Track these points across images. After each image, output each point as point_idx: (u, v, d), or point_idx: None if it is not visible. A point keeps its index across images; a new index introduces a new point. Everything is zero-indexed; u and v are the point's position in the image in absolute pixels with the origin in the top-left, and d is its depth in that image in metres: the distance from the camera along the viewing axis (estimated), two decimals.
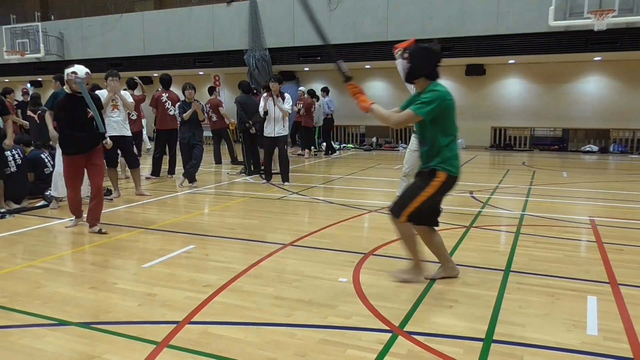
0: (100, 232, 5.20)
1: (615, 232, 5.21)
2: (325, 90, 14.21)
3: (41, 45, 18.24)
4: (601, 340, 2.81)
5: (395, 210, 3.57)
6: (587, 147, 14.99)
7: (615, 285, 3.68)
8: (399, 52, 4.48)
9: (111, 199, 7.11)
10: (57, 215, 6.17)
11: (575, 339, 2.83)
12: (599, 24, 11.52)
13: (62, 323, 3.06)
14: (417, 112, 3.39)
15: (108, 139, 5.41)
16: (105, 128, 5.35)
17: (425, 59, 3.51)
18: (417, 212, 3.52)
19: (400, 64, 6.21)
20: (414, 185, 3.60)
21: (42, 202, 6.81)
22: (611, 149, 14.79)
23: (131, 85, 9.10)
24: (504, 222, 5.79)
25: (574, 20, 12.02)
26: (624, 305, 3.30)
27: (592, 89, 14.99)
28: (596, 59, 14.30)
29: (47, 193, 6.90)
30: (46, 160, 7.26)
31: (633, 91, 14.50)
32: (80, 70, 5.07)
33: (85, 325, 3.03)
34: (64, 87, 6.33)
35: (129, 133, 7.33)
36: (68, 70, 5.03)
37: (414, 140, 6.31)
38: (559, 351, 2.69)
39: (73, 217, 5.64)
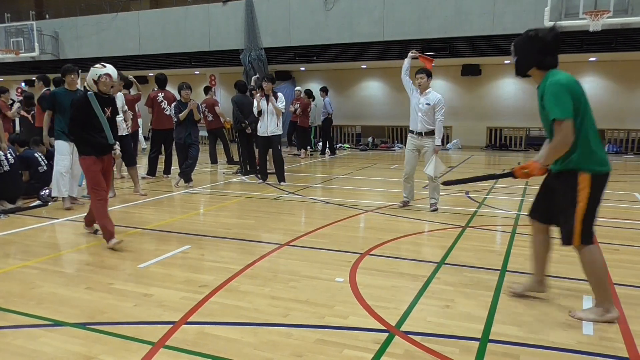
0: (96, 232, 5.14)
1: (611, 232, 5.23)
2: (324, 90, 14.15)
3: (36, 44, 18.13)
4: (597, 340, 2.82)
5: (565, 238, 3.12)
6: None
7: (611, 285, 3.69)
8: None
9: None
10: (52, 215, 6.14)
11: (571, 339, 2.83)
12: (594, 24, 11.57)
13: (57, 324, 3.04)
14: (559, 118, 2.92)
15: (118, 148, 4.92)
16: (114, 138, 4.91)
17: (529, 48, 3.09)
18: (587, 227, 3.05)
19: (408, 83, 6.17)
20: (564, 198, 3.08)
21: (37, 202, 6.77)
22: (606, 149, 14.80)
23: (126, 84, 9.07)
24: (500, 222, 5.80)
25: (569, 21, 12.05)
26: (620, 305, 3.31)
27: (587, 89, 14.61)
28: (591, 59, 14.36)
29: (43, 193, 6.87)
30: (40, 159, 7.22)
31: (628, 92, 14.57)
32: (113, 72, 4.80)
33: (81, 325, 3.01)
34: (65, 85, 6.33)
35: (126, 132, 7.34)
36: (100, 72, 4.68)
37: (411, 140, 6.32)
38: (555, 350, 2.70)
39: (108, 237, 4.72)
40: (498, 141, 16.24)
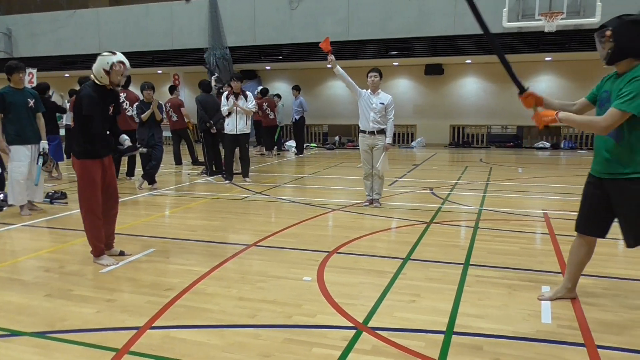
0: (122, 254, 4.47)
1: (566, 224, 5.43)
2: (297, 89, 13.90)
3: None
4: (555, 328, 2.94)
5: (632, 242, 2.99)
6: (540, 144, 15.60)
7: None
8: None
9: (66, 203, 6.86)
10: (7, 221, 5.90)
11: (531, 328, 2.94)
12: (549, 25, 12.02)
13: (14, 333, 2.93)
14: (625, 109, 2.72)
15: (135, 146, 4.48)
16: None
17: (634, 34, 2.78)
18: None
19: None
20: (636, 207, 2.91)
21: None
22: (562, 145, 15.45)
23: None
24: (463, 218, 5.94)
25: (526, 22, 12.48)
26: (577, 294, 3.45)
27: (544, 88, 15.59)
28: (547, 59, 14.89)
29: None
30: None
31: (581, 90, 15.12)
32: (126, 60, 4.15)
33: (40, 335, 2.91)
34: (11, 84, 5.90)
35: None
36: (112, 59, 4.04)
37: (363, 140, 6.41)
38: (516, 340, 2.79)
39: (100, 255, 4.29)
40: (461, 139, 16.62)
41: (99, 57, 4.11)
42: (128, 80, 9.08)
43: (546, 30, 12.11)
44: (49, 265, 4.25)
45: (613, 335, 2.85)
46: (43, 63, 16.90)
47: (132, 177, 9.18)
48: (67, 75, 18.75)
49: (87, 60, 16.69)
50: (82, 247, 4.74)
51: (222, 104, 8.39)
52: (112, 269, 4.10)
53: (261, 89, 13.59)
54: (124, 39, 16.39)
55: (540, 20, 12.12)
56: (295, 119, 13.76)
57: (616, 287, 3.61)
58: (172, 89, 11.36)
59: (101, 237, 4.26)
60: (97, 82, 4.14)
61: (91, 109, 4.06)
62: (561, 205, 6.57)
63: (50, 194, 6.98)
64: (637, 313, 3.14)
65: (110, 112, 4.30)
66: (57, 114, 9.09)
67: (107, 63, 4.04)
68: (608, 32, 2.84)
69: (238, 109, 8.18)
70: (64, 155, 9.82)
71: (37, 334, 2.92)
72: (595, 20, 11.76)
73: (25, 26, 17.68)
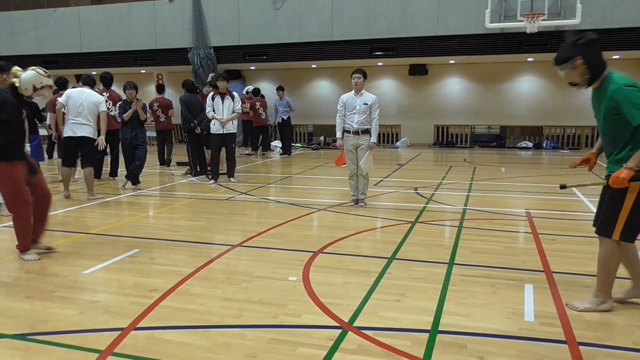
0: (50, 250, 4.61)
1: (548, 223, 5.53)
2: (282, 89, 13.81)
3: None
4: (537, 326, 2.98)
5: (603, 229, 3.13)
6: (523, 144, 15.80)
7: (549, 273, 3.91)
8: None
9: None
10: None
11: (513, 326, 2.98)
12: (531, 26, 12.20)
13: None
14: None
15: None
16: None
17: (597, 51, 3.02)
18: (628, 227, 3.05)
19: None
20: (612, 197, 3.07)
21: None
22: (544, 145, 15.67)
23: (61, 84, 8.65)
24: (448, 217, 6.00)
25: (508, 23, 12.64)
26: (557, 291, 3.51)
27: (526, 88, 15.83)
28: (529, 59, 15.09)
29: None
30: None
31: (562, 91, 15.40)
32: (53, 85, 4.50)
33: (21, 337, 2.86)
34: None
35: (87, 134, 7.03)
36: (45, 82, 4.32)
37: (348, 140, 6.43)
38: (499, 338, 2.83)
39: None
40: (445, 138, 16.76)
41: (34, 73, 4.32)
42: (110, 80, 8.99)
43: (528, 31, 12.28)
44: (31, 266, 4.18)
45: (594, 331, 2.91)
46: (24, 62, 16.57)
47: (115, 178, 9.08)
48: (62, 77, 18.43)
49: (68, 60, 16.47)
50: (64, 248, 4.68)
51: (206, 105, 8.35)
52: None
53: (253, 89, 13.53)
54: (107, 38, 16.18)
55: (522, 21, 12.29)
56: (283, 119, 13.67)
57: None
58: (161, 89, 11.22)
59: (29, 235, 4.42)
60: (18, 89, 4.29)
61: (9, 114, 4.20)
62: (543, 205, 6.67)
63: None
64: (617, 310, 3.21)
65: (23, 116, 4.52)
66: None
67: (40, 83, 4.32)
68: (579, 61, 3.02)
69: (224, 108, 8.19)
70: (45, 155, 9.66)
71: (18, 336, 2.87)
72: (575, 21, 11.97)
73: (5, 24, 17.33)
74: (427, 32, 13.55)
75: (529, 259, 4.29)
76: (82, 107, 6.94)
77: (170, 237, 5.09)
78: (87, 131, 6.96)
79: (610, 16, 12.23)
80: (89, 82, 7.66)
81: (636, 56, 14.20)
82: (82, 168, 7.25)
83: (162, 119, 10.71)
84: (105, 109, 7.21)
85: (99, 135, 7.18)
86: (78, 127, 6.93)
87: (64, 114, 7.10)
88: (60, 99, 7.17)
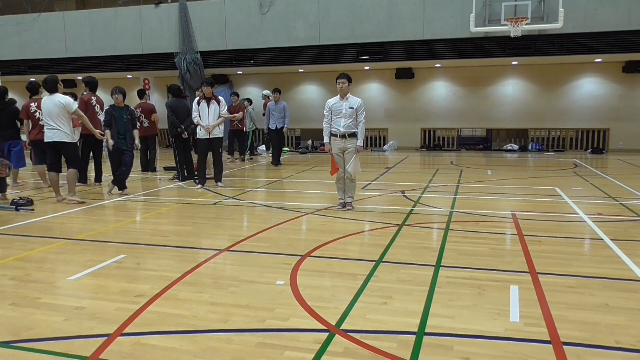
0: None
1: (533, 225, 5.60)
2: (278, 92, 12.69)
3: None
4: (522, 326, 3.02)
5: None
6: (509, 146, 16.00)
7: (535, 274, 3.96)
8: None
9: (32, 209, 6.68)
10: None
11: (499, 327, 3.01)
12: (515, 30, 12.38)
13: None
14: None
15: None
16: None
17: None
18: None
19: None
20: None
21: None
22: (530, 148, 15.88)
23: (32, 88, 8.60)
24: (435, 220, 6.04)
25: (492, 27, 12.82)
26: (542, 292, 3.55)
27: (511, 91, 16.02)
28: (513, 63, 15.31)
29: None
30: None
31: (546, 93, 15.65)
32: None
33: (5, 344, 2.83)
34: None
35: (68, 139, 6.98)
36: None
37: (335, 143, 6.46)
38: (485, 339, 2.86)
39: None
40: (432, 142, 16.89)
41: None
42: (95, 84, 8.92)
43: (512, 35, 12.46)
44: (15, 273, 4.13)
45: (578, 331, 2.95)
46: (7, 67, 16.41)
47: (100, 183, 9.00)
48: (33, 79, 18.23)
49: (53, 64, 16.29)
50: (49, 254, 4.62)
51: (193, 110, 8.33)
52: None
53: (231, 94, 13.44)
54: (92, 43, 16.07)
55: (506, 25, 12.47)
56: (277, 126, 12.22)
57: (582, 284, 3.73)
58: (142, 93, 11.10)
59: None
60: None
61: None
62: (529, 206, 6.75)
63: (15, 200, 6.78)
64: (601, 310, 3.26)
65: None
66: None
67: None
68: None
69: (211, 112, 8.19)
70: (26, 161, 9.54)
71: (2, 343, 2.83)
72: (558, 25, 12.18)
73: None
74: (413, 36, 13.68)
75: (515, 260, 4.33)
76: (49, 111, 6.92)
77: (157, 242, 5.05)
78: (58, 136, 6.93)
79: (591, 20, 12.47)
80: (40, 87, 7.90)
81: (616, 59, 14.48)
82: (67, 170, 7.23)
83: (146, 124, 10.61)
84: (75, 107, 7.09)
85: (102, 135, 7.52)
86: (50, 132, 6.97)
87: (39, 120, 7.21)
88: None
